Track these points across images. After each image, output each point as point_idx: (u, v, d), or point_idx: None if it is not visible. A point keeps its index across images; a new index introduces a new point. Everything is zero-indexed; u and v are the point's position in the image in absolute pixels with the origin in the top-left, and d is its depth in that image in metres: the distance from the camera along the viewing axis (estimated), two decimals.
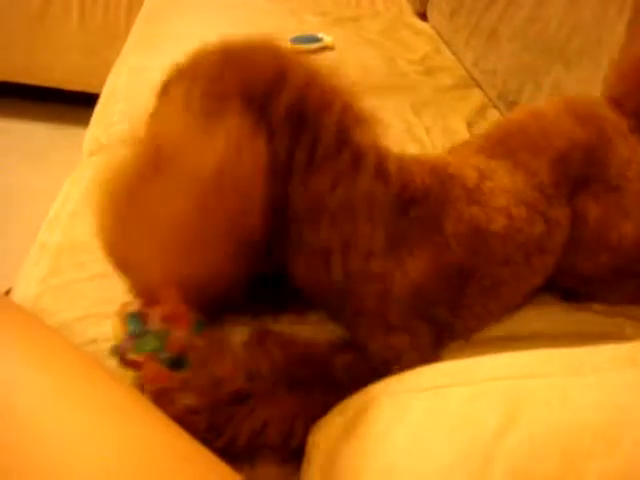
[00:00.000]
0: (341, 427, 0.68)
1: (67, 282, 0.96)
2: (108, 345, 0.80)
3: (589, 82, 1.46)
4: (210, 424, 0.72)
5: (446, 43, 2.26)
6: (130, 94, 1.54)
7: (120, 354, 0.76)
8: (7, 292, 0.98)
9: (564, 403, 0.59)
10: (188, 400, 0.72)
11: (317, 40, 1.92)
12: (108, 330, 0.88)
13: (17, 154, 2.51)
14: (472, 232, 0.87)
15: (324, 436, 0.70)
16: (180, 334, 0.74)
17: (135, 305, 0.78)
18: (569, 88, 1.52)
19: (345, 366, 0.81)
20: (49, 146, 2.58)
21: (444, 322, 0.89)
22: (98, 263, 0.98)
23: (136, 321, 0.79)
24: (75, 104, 2.68)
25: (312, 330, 0.90)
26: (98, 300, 0.93)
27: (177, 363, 0.75)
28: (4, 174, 2.39)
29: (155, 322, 0.75)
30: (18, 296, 0.96)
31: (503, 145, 1.00)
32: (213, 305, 0.78)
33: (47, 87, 2.71)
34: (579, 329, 0.98)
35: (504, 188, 0.92)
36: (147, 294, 0.77)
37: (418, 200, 0.84)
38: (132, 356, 0.75)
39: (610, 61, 1.38)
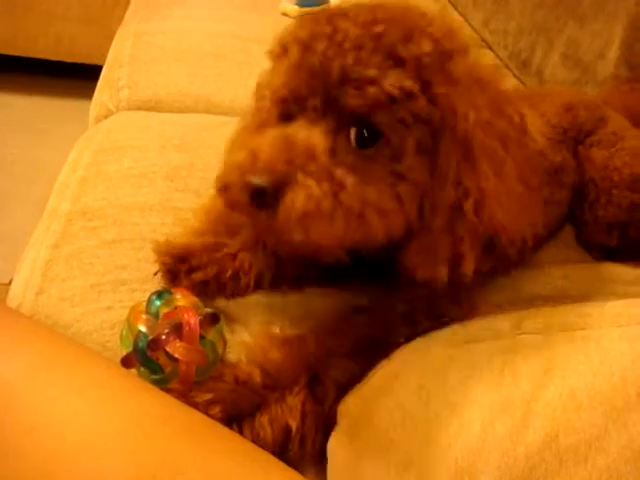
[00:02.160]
0: (372, 388, 0.67)
1: (79, 249, 0.94)
2: (124, 312, 0.79)
3: (604, 37, 1.43)
4: (229, 417, 0.70)
5: (452, 4, 2.22)
6: (135, 58, 1.51)
7: (161, 346, 0.73)
8: (9, 282, 0.96)
9: (603, 355, 0.58)
10: (207, 396, 0.71)
11: (323, 2, 1.89)
12: (123, 297, 0.87)
13: (19, 128, 2.49)
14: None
15: (353, 399, 0.69)
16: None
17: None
18: (583, 44, 1.49)
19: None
20: (51, 120, 2.55)
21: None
22: (110, 229, 0.97)
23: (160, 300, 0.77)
24: (76, 77, 2.65)
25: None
26: (112, 266, 0.91)
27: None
28: (6, 149, 2.37)
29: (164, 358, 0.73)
30: (29, 262, 0.94)
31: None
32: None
33: (47, 60, 2.68)
34: (606, 288, 0.96)
35: None
36: None
37: None
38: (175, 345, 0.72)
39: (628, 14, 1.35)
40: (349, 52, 0.63)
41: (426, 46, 0.65)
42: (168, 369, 0.73)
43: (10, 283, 0.93)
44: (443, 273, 0.68)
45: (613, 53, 1.39)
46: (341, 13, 0.68)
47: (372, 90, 0.62)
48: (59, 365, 0.65)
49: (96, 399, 0.62)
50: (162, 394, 0.68)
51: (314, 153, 0.62)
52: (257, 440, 0.69)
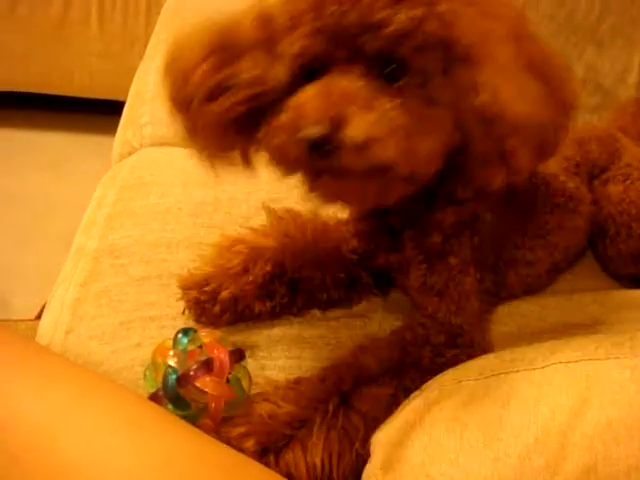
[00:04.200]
0: (404, 421, 0.66)
1: (107, 286, 0.95)
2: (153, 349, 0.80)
3: (623, 62, 1.44)
4: (263, 448, 0.70)
5: None
6: (157, 95, 1.51)
7: (190, 381, 0.73)
8: (38, 316, 0.97)
9: (638, 384, 0.57)
10: (240, 429, 0.71)
11: None
12: (152, 333, 0.88)
13: (40, 165, 2.49)
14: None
15: (386, 432, 0.68)
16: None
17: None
18: (602, 69, 1.49)
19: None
20: (72, 156, 2.55)
21: (502, 273, 0.92)
22: (137, 266, 0.98)
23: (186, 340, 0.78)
24: (96, 112, 2.67)
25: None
26: (140, 303, 0.92)
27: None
28: (29, 186, 2.38)
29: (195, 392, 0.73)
30: (57, 300, 0.95)
31: None
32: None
33: (68, 96, 2.69)
34: (637, 312, 0.95)
35: None
36: None
37: None
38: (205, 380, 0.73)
39: None
40: (359, 2, 0.64)
41: None
42: (197, 405, 0.73)
43: (36, 318, 0.94)
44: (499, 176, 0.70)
45: (633, 78, 1.39)
46: None
47: (389, 30, 0.63)
48: (92, 404, 0.65)
49: (130, 437, 0.62)
50: (194, 430, 0.68)
51: (357, 95, 0.64)
52: (290, 474, 0.70)
